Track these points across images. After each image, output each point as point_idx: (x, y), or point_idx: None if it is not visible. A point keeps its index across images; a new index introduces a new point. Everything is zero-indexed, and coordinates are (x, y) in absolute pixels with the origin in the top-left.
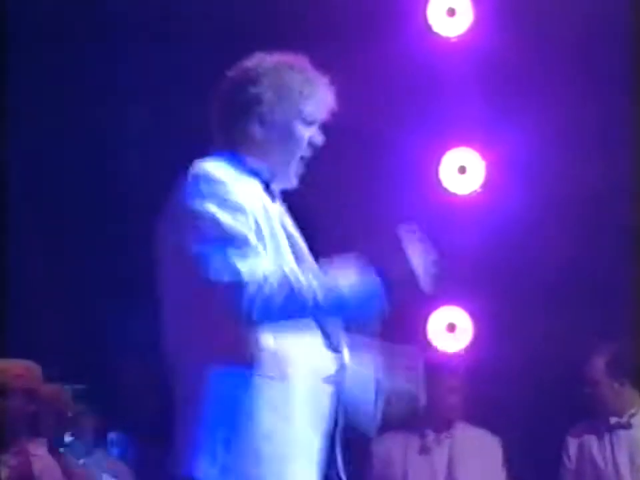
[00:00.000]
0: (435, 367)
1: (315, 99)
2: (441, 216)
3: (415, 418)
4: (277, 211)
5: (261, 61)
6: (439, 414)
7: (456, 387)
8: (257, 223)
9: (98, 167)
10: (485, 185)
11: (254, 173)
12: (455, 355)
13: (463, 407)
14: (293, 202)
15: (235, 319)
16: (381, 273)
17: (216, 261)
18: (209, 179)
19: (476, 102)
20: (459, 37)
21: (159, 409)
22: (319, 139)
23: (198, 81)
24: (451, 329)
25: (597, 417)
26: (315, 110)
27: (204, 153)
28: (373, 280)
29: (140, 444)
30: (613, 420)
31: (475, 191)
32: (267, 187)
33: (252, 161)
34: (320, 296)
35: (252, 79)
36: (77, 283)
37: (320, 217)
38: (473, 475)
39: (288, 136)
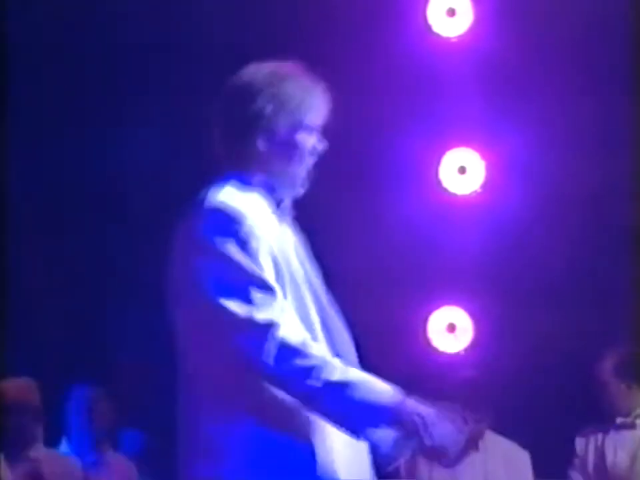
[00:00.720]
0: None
1: (314, 106)
2: (441, 216)
3: None
4: (291, 239)
5: (256, 73)
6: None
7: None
8: (275, 264)
9: (98, 168)
10: (485, 185)
11: (263, 191)
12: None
13: (490, 419)
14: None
15: (252, 364)
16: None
17: (237, 306)
18: (229, 216)
19: (476, 102)
20: (459, 37)
21: (160, 406)
22: (321, 145)
23: (198, 85)
24: (451, 329)
25: (603, 417)
26: (315, 117)
27: (203, 156)
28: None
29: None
30: (619, 420)
31: (475, 191)
32: (278, 205)
33: (259, 179)
34: (330, 377)
35: (250, 94)
36: (77, 283)
37: (320, 218)
38: None
39: (292, 146)
